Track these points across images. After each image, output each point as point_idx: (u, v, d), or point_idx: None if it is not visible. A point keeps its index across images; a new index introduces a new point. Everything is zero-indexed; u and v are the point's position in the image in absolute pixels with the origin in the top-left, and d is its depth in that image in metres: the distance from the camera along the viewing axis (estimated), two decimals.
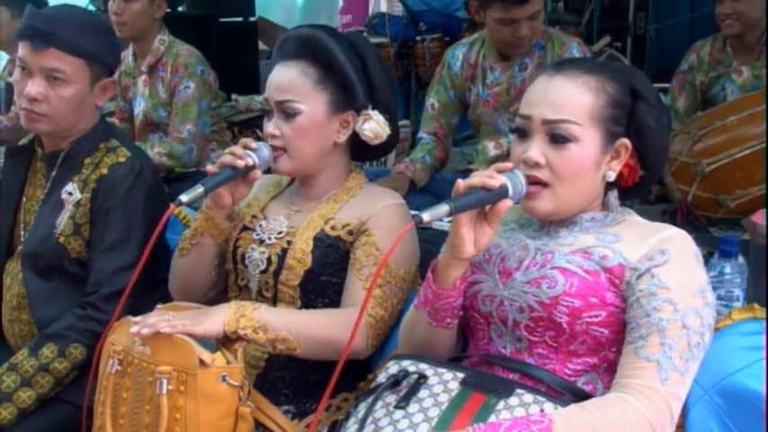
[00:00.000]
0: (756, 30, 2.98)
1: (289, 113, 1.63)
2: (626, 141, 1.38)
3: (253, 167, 1.60)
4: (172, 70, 3.04)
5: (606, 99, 1.36)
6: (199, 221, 1.67)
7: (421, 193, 2.58)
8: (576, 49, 2.64)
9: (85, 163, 1.86)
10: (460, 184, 1.29)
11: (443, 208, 1.24)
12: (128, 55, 3.13)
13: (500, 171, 1.32)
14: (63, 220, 1.82)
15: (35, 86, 1.79)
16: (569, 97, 1.35)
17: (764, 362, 1.28)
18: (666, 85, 3.32)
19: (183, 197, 1.50)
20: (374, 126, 1.66)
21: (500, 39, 2.63)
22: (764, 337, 1.30)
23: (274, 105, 1.65)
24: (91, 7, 3.84)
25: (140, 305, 1.53)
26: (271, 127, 1.65)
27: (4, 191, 1.97)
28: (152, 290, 1.84)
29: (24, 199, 1.93)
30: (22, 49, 1.80)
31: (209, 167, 1.60)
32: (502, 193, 1.30)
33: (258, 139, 1.69)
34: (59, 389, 1.75)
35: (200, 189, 1.52)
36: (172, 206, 1.52)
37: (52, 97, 1.80)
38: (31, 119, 1.82)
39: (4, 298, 1.93)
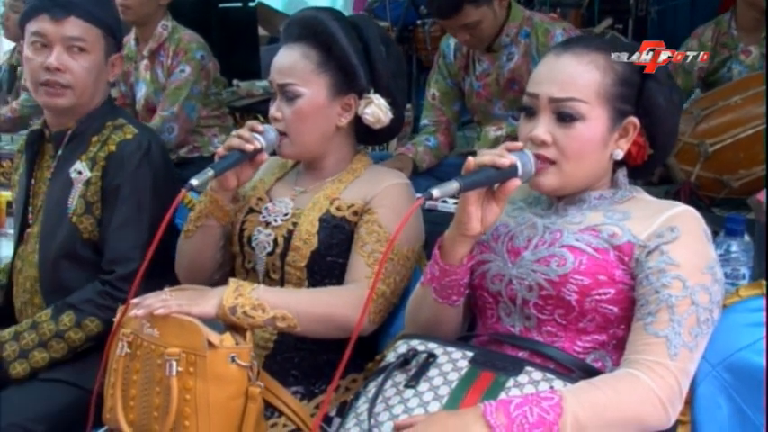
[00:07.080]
0: None
1: (290, 96, 1.64)
2: (634, 120, 1.38)
3: (260, 150, 1.61)
4: (173, 55, 3.03)
5: (614, 77, 1.35)
6: (203, 204, 1.68)
7: (425, 177, 2.58)
8: (560, 35, 2.55)
9: (92, 141, 1.85)
10: (471, 161, 1.29)
11: (453, 185, 1.25)
12: (130, 39, 3.12)
13: (510, 150, 1.32)
14: (75, 200, 1.83)
15: (57, 57, 1.79)
16: (576, 75, 1.34)
17: (764, 339, 1.29)
18: None
19: (194, 181, 1.51)
20: (375, 110, 1.66)
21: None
22: (764, 314, 1.31)
23: (277, 88, 1.66)
24: None
25: (157, 287, 1.53)
26: (273, 109, 1.67)
27: (20, 178, 1.97)
28: (167, 271, 1.82)
29: (33, 181, 1.93)
30: (39, 23, 1.79)
31: (219, 150, 1.61)
32: (511, 172, 1.30)
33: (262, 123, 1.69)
34: (72, 355, 1.78)
35: (210, 173, 1.54)
36: (183, 190, 1.52)
37: (75, 67, 1.81)
38: (52, 93, 1.81)
39: (17, 281, 1.94)
